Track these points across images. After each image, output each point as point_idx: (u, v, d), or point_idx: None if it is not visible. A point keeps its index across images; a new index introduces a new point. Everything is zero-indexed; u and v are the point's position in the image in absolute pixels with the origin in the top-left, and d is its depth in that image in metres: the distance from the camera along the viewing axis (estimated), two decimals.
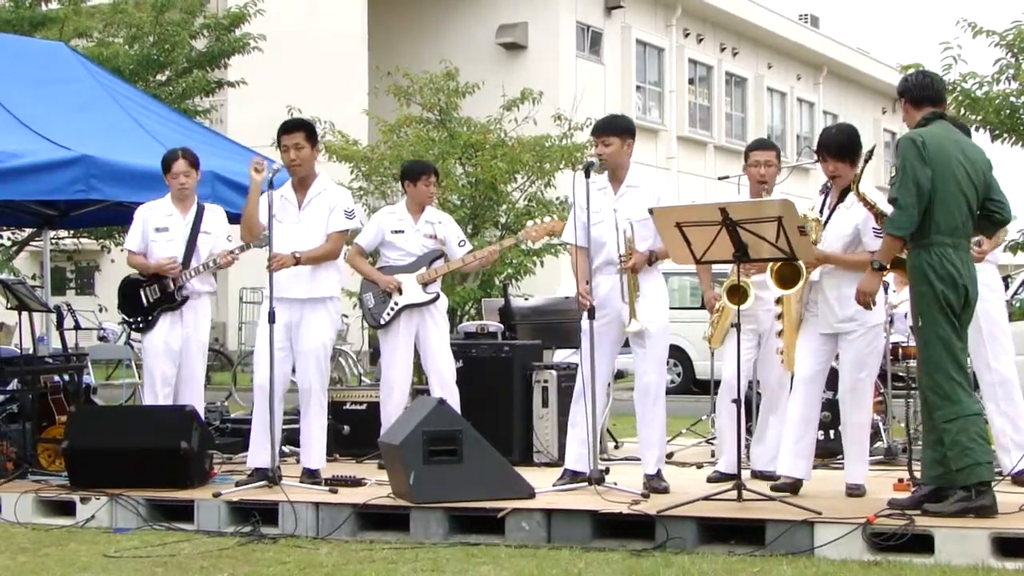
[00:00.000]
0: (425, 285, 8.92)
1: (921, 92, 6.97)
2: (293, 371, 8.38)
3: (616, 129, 7.83)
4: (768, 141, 8.89)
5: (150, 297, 8.79)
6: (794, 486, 7.41)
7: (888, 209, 6.90)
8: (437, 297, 8.96)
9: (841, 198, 7.40)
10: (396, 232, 9.05)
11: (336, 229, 8.31)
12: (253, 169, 8.19)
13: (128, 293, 8.88)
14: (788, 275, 7.32)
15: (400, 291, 8.90)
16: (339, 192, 8.53)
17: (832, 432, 9.21)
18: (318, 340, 8.28)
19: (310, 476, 8.23)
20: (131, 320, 8.92)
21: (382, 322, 8.99)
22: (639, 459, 7.94)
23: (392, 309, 8.93)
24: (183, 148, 8.87)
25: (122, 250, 8.99)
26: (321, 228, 8.28)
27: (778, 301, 7.70)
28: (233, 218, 9.08)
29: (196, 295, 8.83)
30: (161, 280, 8.75)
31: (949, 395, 6.67)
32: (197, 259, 8.76)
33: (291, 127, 8.36)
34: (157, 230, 8.81)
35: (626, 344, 7.90)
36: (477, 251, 9.28)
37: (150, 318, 8.76)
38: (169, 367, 8.70)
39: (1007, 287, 10.15)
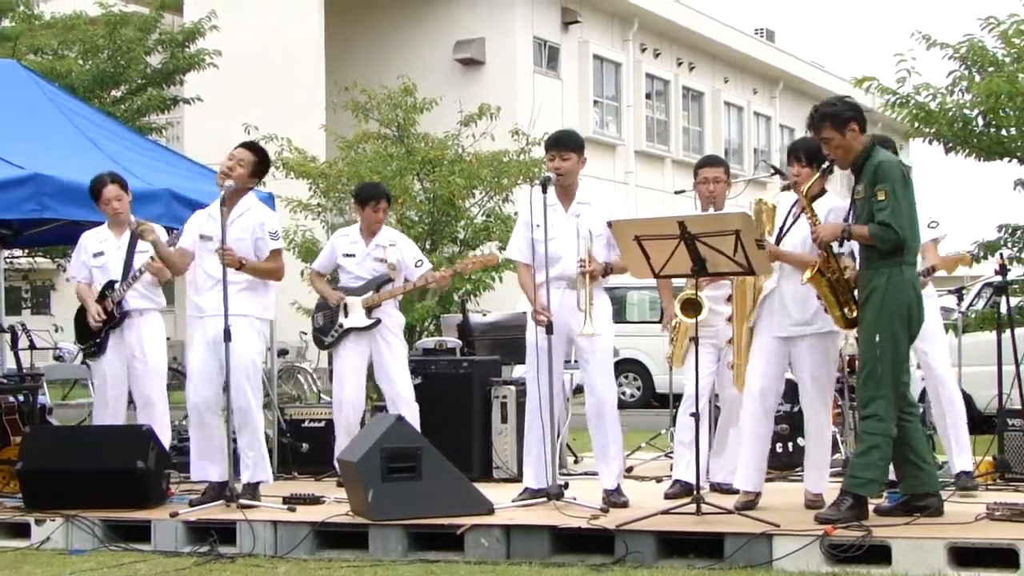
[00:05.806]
0: (369, 310, 8.87)
1: (863, 115, 7.01)
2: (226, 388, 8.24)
3: (573, 144, 7.87)
4: (716, 157, 8.90)
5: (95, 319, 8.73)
6: (754, 501, 7.43)
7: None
8: (378, 322, 8.86)
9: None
10: (347, 256, 9.03)
11: (269, 252, 8.20)
12: (141, 234, 8.19)
13: (81, 320, 8.89)
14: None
15: (346, 313, 8.89)
16: (264, 212, 8.37)
17: (791, 444, 9.24)
18: (245, 356, 8.06)
19: (252, 489, 8.09)
20: (84, 346, 8.91)
21: (326, 343, 9.02)
22: (598, 473, 7.94)
23: (336, 332, 8.93)
24: (110, 172, 8.78)
25: (68, 279, 8.95)
26: (243, 245, 8.11)
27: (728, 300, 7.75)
28: None
29: (136, 312, 8.76)
30: (100, 302, 8.71)
31: (887, 414, 6.81)
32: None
33: (246, 144, 8.41)
34: (95, 255, 8.83)
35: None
36: (417, 280, 9.07)
37: (99, 340, 8.72)
38: (115, 390, 8.69)
39: (961, 299, 10.25)
